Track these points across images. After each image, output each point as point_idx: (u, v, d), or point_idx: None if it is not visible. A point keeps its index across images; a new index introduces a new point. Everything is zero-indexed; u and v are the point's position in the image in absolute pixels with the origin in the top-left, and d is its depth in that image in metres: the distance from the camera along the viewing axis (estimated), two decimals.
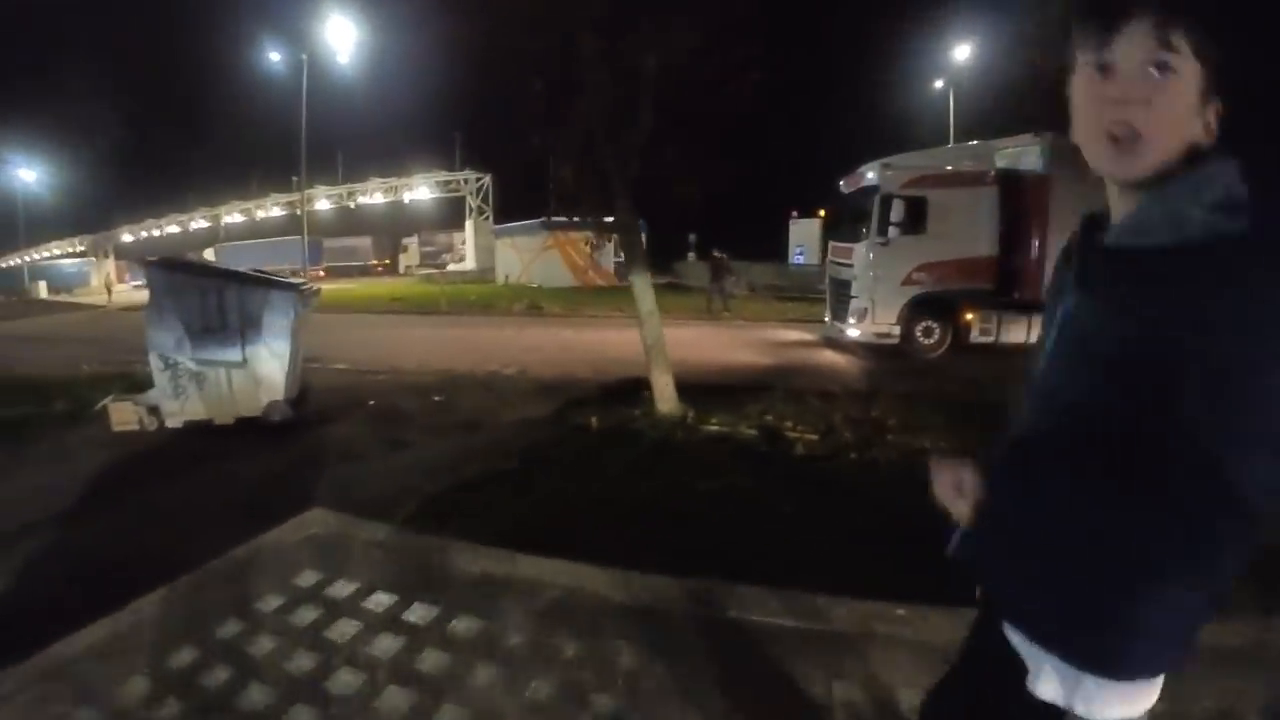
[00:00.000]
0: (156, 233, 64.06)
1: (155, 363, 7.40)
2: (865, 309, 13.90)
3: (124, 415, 7.62)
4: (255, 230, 60.76)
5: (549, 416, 7.75)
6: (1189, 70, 1.07)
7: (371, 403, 8.73)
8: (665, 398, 7.34)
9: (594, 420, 7.15)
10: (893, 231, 13.40)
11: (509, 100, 7.46)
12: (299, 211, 40.17)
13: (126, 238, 62.80)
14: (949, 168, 14.29)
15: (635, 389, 8.54)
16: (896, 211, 13.39)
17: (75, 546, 4.52)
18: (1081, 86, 1.20)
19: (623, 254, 7.30)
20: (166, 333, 7.36)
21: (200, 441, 7.13)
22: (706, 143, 7.22)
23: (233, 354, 7.40)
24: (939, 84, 31.30)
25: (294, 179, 42.33)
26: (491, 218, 47.63)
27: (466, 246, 49.56)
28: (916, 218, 13.48)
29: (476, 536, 4.11)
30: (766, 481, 5.59)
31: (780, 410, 7.84)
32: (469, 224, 48.82)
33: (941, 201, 13.45)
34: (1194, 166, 1.08)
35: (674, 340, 7.64)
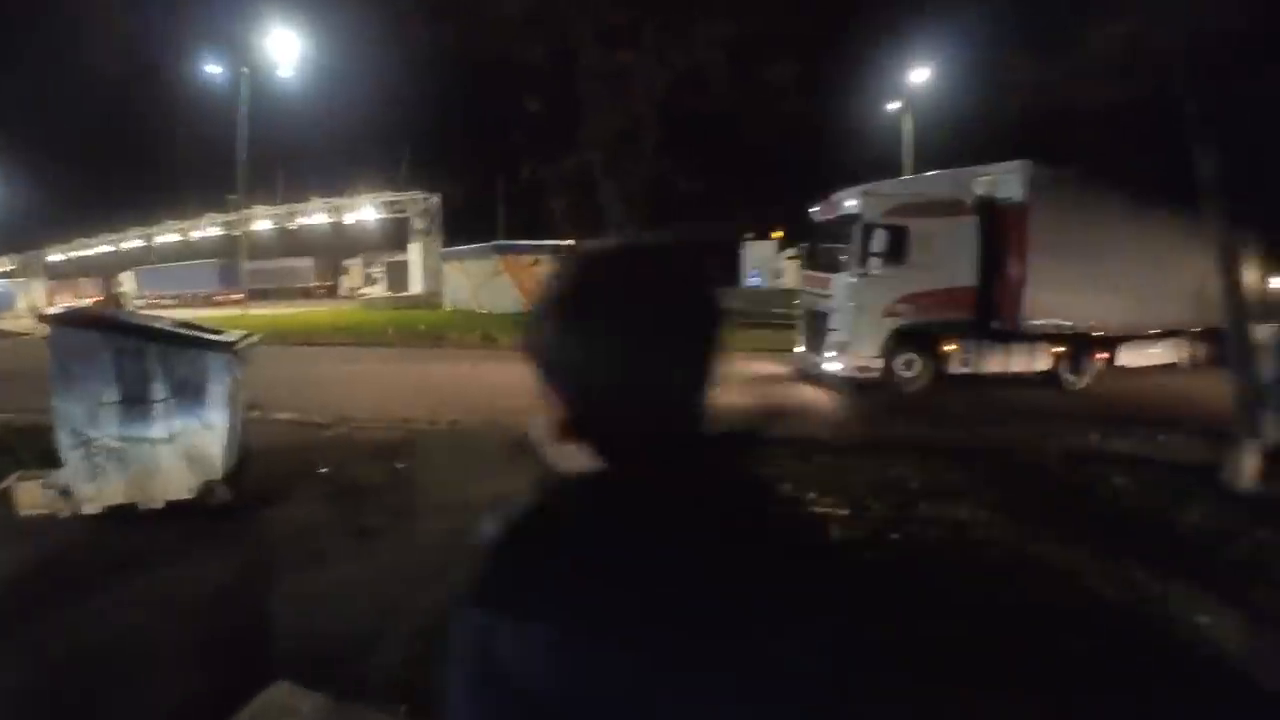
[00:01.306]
0: (88, 252, 61.21)
1: (65, 440, 6.16)
2: (846, 342, 13.37)
3: (31, 498, 6.33)
4: (190, 251, 58.32)
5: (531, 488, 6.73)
6: None
7: (324, 470, 7.59)
8: None
9: None
10: (875, 262, 12.91)
11: (499, 122, 6.52)
12: (236, 232, 38.31)
13: (55, 257, 59.87)
14: (928, 195, 13.95)
15: None
16: (878, 241, 12.92)
17: None
18: None
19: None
20: (76, 404, 6.13)
21: (123, 535, 5.87)
22: (727, 176, 6.37)
23: (159, 428, 6.21)
24: (894, 106, 31.17)
25: (231, 198, 40.27)
26: (438, 240, 46.31)
27: (411, 269, 48.01)
28: (898, 247, 13.04)
29: None
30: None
31: (793, 475, 7.03)
32: (414, 246, 47.27)
33: (922, 230, 13.09)
34: None
35: None
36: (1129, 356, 16.08)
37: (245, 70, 27.80)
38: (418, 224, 47.04)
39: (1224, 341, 19.42)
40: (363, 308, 40.10)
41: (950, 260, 13.43)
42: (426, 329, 23.91)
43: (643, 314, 0.83)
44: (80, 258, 62.05)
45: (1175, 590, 4.84)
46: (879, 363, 13.20)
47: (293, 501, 6.66)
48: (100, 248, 60.81)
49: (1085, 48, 7.26)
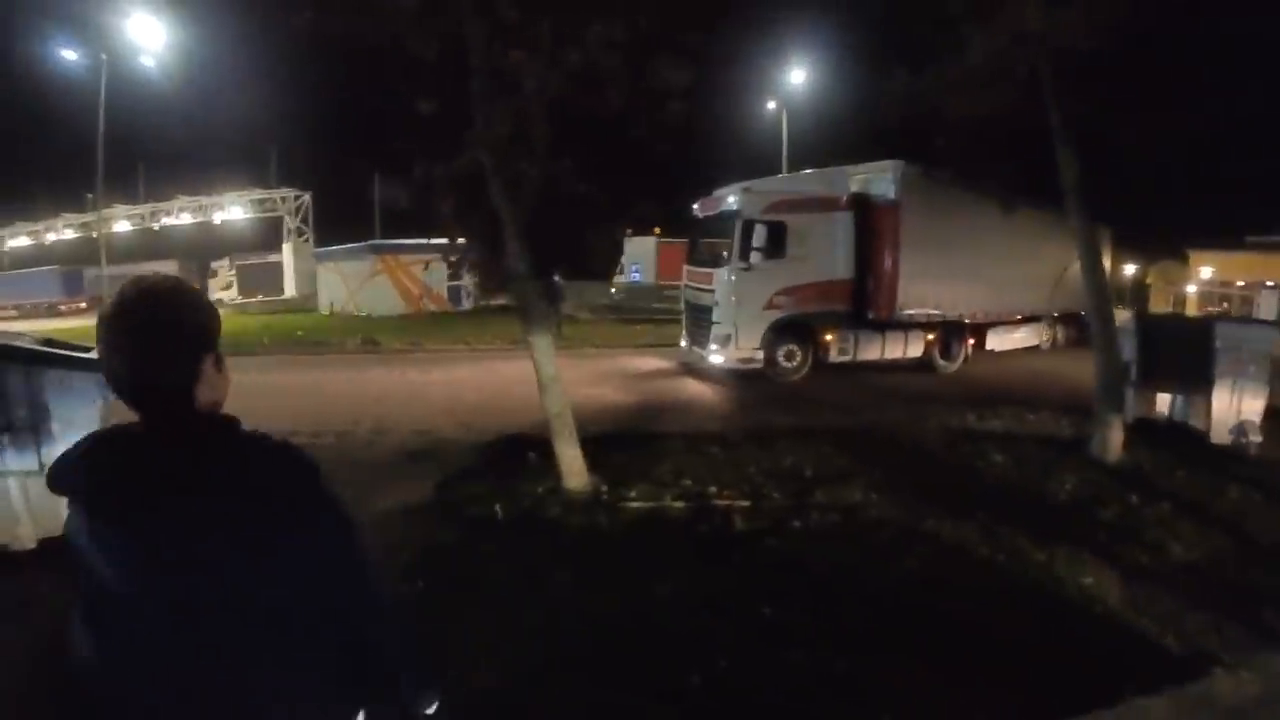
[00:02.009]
0: None
1: None
2: (729, 335, 13.76)
3: None
4: (44, 255, 53.98)
5: (434, 501, 6.51)
6: None
7: None
8: (574, 472, 6.32)
9: (497, 509, 5.98)
10: (755, 256, 13.37)
11: (378, 118, 6.24)
12: (94, 234, 35.55)
13: None
14: (805, 192, 14.64)
15: (519, 452, 7.56)
16: (758, 236, 13.36)
17: None
18: None
19: (522, 312, 6.16)
20: None
21: None
22: (615, 176, 6.32)
23: (25, 459, 5.60)
24: (771, 106, 31.91)
25: (89, 196, 37.24)
26: (312, 240, 44.48)
27: (284, 271, 45.93)
28: (777, 242, 13.54)
29: None
30: (724, 574, 4.84)
31: (693, 469, 7.08)
32: (286, 246, 45.24)
33: (800, 226, 13.70)
34: None
35: (531, 376, 6.63)
36: (996, 341, 17.33)
37: (104, 56, 25.66)
38: (290, 224, 45.09)
39: (1083, 324, 20.98)
40: (234, 313, 38.02)
41: (827, 254, 14.06)
42: (304, 335, 22.89)
43: (135, 336, 1.28)
44: None
45: (1059, 553, 5.16)
46: (760, 354, 13.66)
47: None
48: None
49: (948, 62, 7.60)
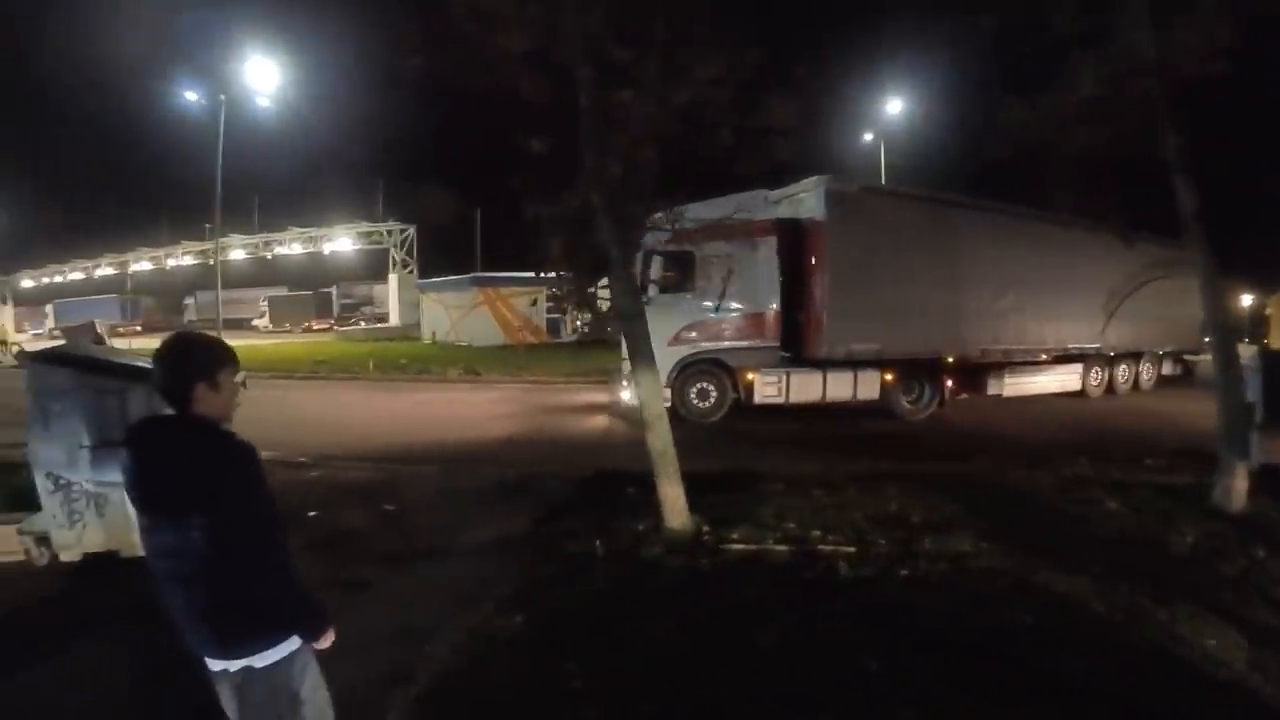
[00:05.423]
0: (59, 279, 60.62)
1: (43, 483, 5.87)
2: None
3: (4, 544, 6.06)
4: (166, 279, 58.05)
5: (531, 534, 6.54)
6: None
7: (311, 514, 7.33)
8: (676, 511, 6.22)
9: (597, 545, 5.95)
10: (653, 290, 12.24)
11: (481, 155, 6.41)
12: (211, 261, 37.77)
13: (27, 283, 59.08)
14: (716, 219, 13.16)
15: (619, 488, 7.54)
16: (657, 268, 12.38)
17: None
18: None
19: (629, 350, 6.15)
20: (55, 446, 5.85)
21: (103, 585, 5.53)
22: None
23: None
24: (869, 138, 31.55)
25: (207, 226, 39.69)
26: (415, 271, 46.12)
27: (390, 301, 47.80)
28: (683, 273, 12.52)
29: None
30: (829, 622, 4.60)
31: (796, 512, 6.89)
32: (392, 277, 47.08)
33: (710, 255, 12.27)
34: None
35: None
36: (1007, 384, 15.12)
37: (223, 97, 27.47)
38: (395, 255, 46.88)
39: (1178, 363, 19.04)
40: (341, 339, 39.59)
41: (746, 285, 12.77)
42: (408, 363, 23.62)
43: (161, 363, 2.26)
44: (52, 284, 61.33)
45: (1180, 611, 4.75)
46: (667, 393, 11.93)
47: None
48: (74, 275, 60.16)
49: (1060, 91, 7.34)
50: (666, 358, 11.93)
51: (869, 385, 13.47)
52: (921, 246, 13.29)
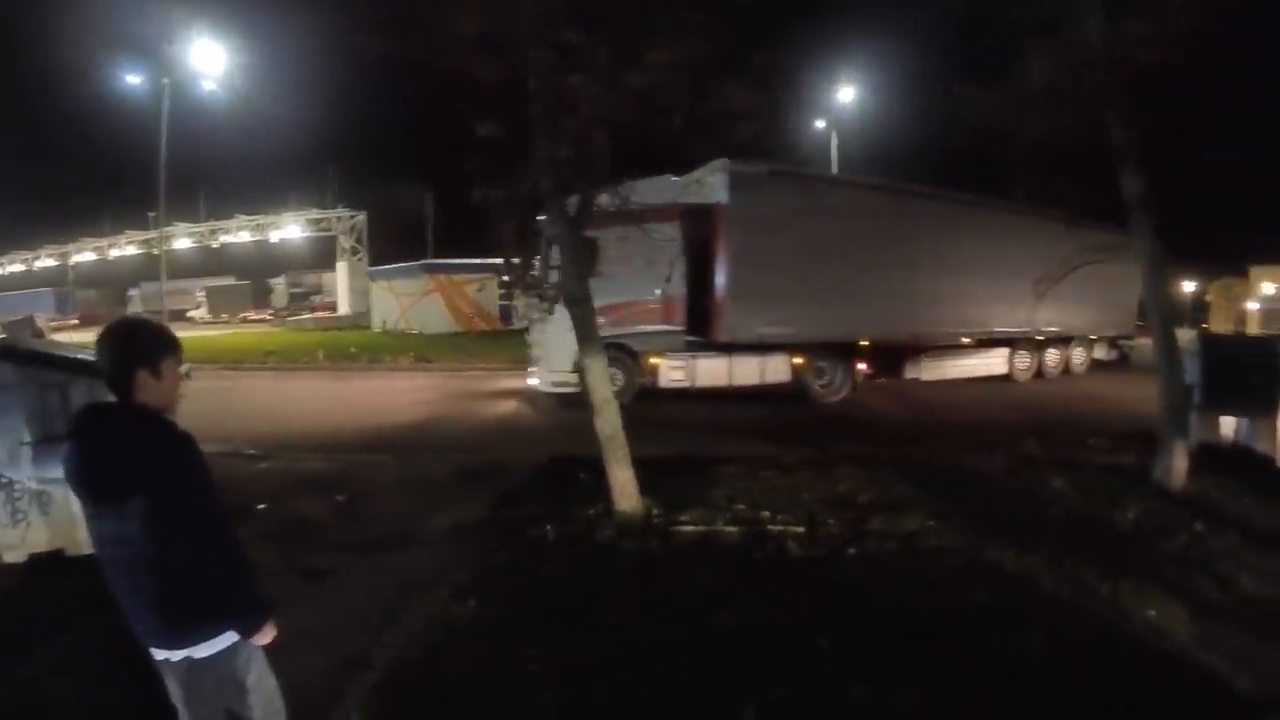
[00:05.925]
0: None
1: None
2: (540, 356, 13.11)
3: None
4: (109, 269, 56.27)
5: (486, 520, 6.61)
6: None
7: (261, 506, 7.29)
8: (626, 495, 6.33)
9: (549, 529, 6.04)
10: (554, 275, 12.26)
11: (451, 142, 6.37)
12: (155, 251, 36.76)
13: None
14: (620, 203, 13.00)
15: (571, 473, 7.65)
16: (557, 255, 12.36)
17: None
18: None
19: (577, 334, 6.21)
20: None
21: (52, 585, 5.40)
22: None
23: None
24: (820, 125, 31.76)
25: (151, 215, 38.53)
26: (366, 258, 45.44)
27: (338, 289, 47.05)
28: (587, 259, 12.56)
29: None
30: (779, 602, 4.72)
31: (747, 494, 7.03)
32: (341, 265, 46.31)
33: (612, 239, 11.77)
34: None
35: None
36: (926, 368, 15.36)
37: (166, 81, 26.62)
38: (344, 242, 46.12)
39: (1112, 346, 19.41)
40: (292, 329, 38.87)
41: (648, 270, 12.65)
42: (358, 351, 23.35)
43: (105, 347, 2.29)
44: None
45: (1124, 586, 4.99)
46: (574, 377, 11.98)
47: None
48: (13, 267, 58.13)
49: (1015, 79, 7.49)
50: (570, 343, 11.79)
51: (778, 369, 13.65)
52: (833, 229, 13.33)
